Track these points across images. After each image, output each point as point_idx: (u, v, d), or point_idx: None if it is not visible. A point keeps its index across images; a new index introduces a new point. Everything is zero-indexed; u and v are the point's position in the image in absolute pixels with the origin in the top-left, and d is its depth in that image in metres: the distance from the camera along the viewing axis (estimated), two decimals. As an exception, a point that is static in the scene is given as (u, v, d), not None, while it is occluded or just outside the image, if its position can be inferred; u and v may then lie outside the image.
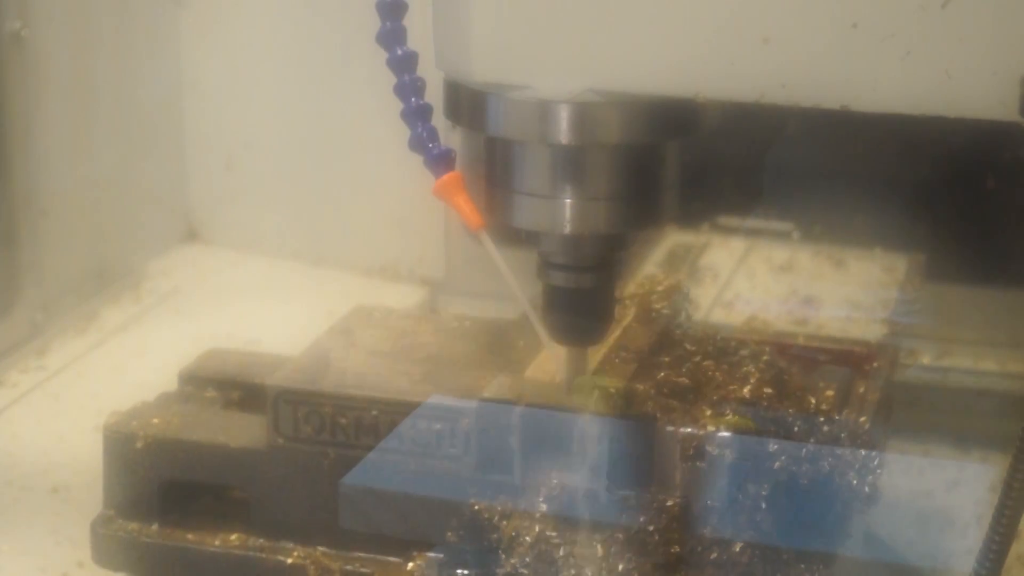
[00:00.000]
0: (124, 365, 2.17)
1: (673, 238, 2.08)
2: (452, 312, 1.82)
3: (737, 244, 2.09)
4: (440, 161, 1.38)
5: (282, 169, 2.52)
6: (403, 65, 1.37)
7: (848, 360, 1.65)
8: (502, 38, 1.28)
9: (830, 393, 1.53)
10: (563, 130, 1.29)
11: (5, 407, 2.05)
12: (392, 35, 1.37)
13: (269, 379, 1.54)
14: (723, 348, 1.58)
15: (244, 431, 1.57)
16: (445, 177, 1.38)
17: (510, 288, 1.41)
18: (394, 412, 1.48)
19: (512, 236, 1.39)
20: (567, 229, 1.35)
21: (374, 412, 1.49)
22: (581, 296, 1.40)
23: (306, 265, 2.50)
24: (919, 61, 1.17)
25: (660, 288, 1.65)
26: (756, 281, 2.00)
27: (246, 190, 2.56)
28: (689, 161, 1.38)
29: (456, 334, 1.66)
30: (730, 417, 1.43)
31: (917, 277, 1.99)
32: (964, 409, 2.15)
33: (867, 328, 1.79)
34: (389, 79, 1.38)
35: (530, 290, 1.43)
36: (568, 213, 1.34)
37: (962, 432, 2.13)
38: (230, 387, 1.70)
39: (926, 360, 2.20)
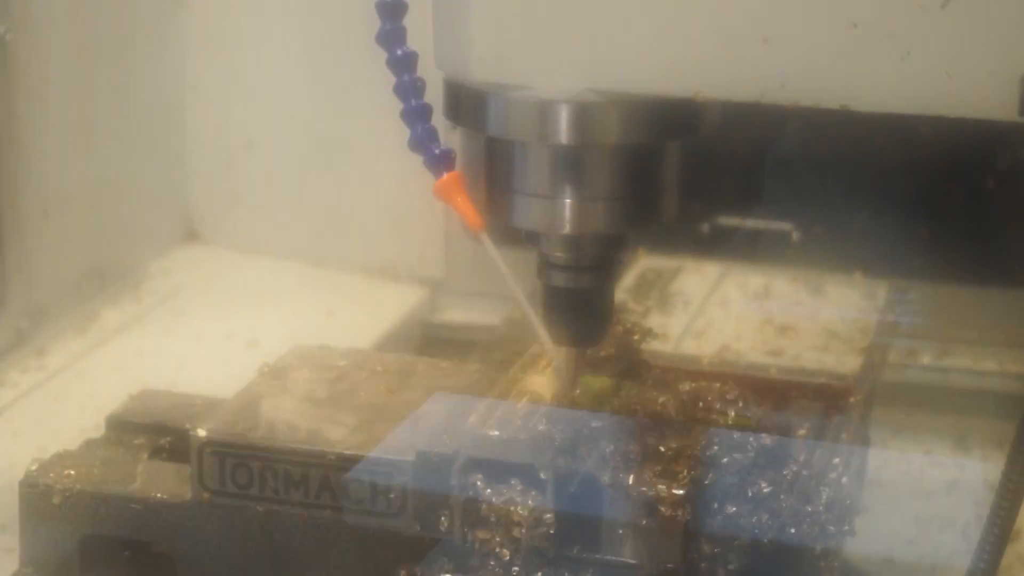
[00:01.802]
0: (124, 365, 2.17)
1: (644, 262, 1.97)
2: (395, 353, 1.73)
3: (711, 269, 1.98)
4: (440, 161, 1.38)
5: (283, 169, 2.53)
6: (403, 65, 1.37)
7: (823, 396, 1.57)
8: (502, 38, 1.28)
9: (802, 433, 1.46)
10: (563, 130, 1.29)
11: (5, 407, 2.05)
12: (392, 35, 1.37)
13: (194, 428, 1.46)
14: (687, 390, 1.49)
15: (168, 483, 1.49)
16: (445, 177, 1.38)
17: (510, 288, 1.41)
18: (327, 466, 1.41)
19: (512, 236, 1.39)
20: (567, 229, 1.35)
21: (305, 466, 1.41)
22: (581, 296, 1.40)
23: (306, 265, 2.50)
24: (919, 61, 1.17)
25: (619, 328, 1.55)
26: (730, 309, 1.89)
27: (247, 190, 2.56)
28: (689, 161, 1.38)
29: (397, 376, 1.58)
30: (732, 417, 1.43)
31: (897, 304, 1.92)
32: (964, 409, 2.16)
33: (844, 360, 1.70)
34: (389, 79, 1.38)
35: (529, 290, 1.43)
36: (568, 213, 1.34)
37: (962, 432, 2.14)
38: (159, 432, 1.61)
39: (926, 360, 2.20)
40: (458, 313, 2.42)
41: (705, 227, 2.25)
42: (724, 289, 1.93)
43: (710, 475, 1.34)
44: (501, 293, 1.52)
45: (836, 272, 2.02)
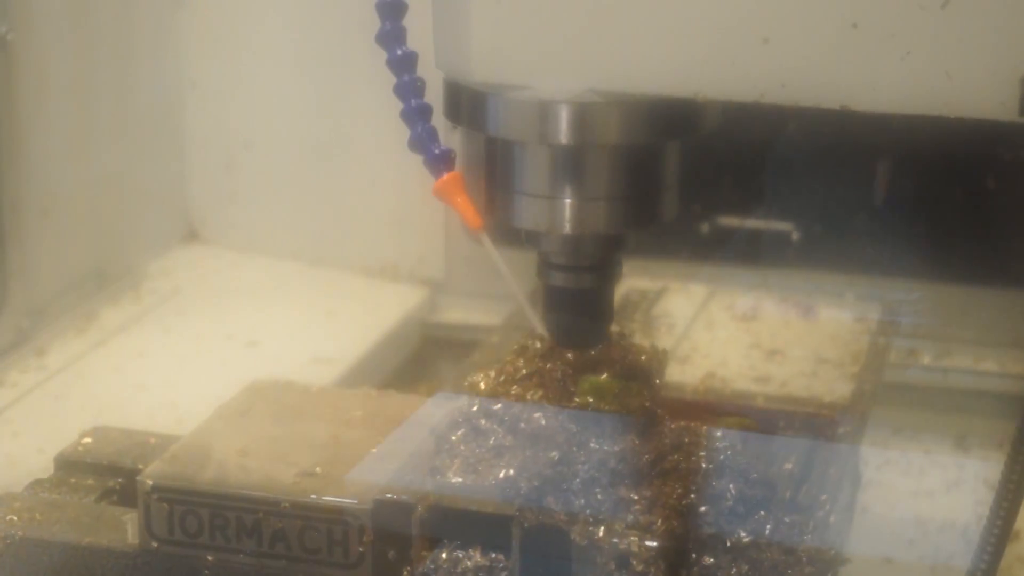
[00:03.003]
0: (124, 365, 2.17)
1: (628, 283, 1.87)
2: (357, 388, 1.61)
3: (697, 290, 1.89)
4: (440, 161, 1.38)
5: (282, 169, 2.53)
6: (403, 65, 1.37)
7: (812, 426, 1.51)
8: (502, 38, 1.28)
9: (788, 466, 1.38)
10: (563, 130, 1.29)
11: (5, 407, 2.05)
12: (392, 35, 1.37)
13: (141, 472, 1.38)
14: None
15: (115, 530, 1.40)
16: (445, 177, 1.38)
17: (510, 288, 1.41)
18: (281, 514, 1.33)
19: (512, 236, 1.39)
20: (567, 229, 1.35)
21: (258, 513, 1.33)
22: (581, 296, 1.40)
23: (306, 265, 2.51)
24: (919, 61, 1.17)
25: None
26: (716, 332, 1.79)
27: (246, 190, 2.56)
28: (689, 161, 1.38)
29: (360, 414, 1.50)
30: (731, 418, 1.42)
31: (890, 326, 1.83)
32: (964, 409, 2.16)
33: (835, 386, 1.63)
34: (389, 79, 1.38)
35: (529, 290, 1.43)
36: (568, 213, 1.34)
37: (962, 432, 2.14)
38: (109, 473, 1.52)
39: (926, 360, 2.20)
40: (458, 313, 2.42)
41: (704, 227, 2.25)
42: (710, 311, 1.85)
43: (686, 525, 1.28)
44: (501, 293, 1.52)
45: (835, 274, 2.01)
